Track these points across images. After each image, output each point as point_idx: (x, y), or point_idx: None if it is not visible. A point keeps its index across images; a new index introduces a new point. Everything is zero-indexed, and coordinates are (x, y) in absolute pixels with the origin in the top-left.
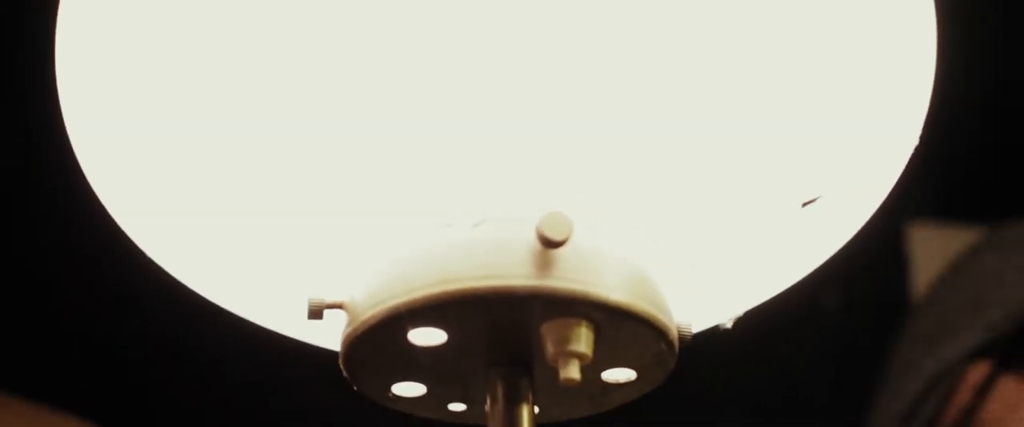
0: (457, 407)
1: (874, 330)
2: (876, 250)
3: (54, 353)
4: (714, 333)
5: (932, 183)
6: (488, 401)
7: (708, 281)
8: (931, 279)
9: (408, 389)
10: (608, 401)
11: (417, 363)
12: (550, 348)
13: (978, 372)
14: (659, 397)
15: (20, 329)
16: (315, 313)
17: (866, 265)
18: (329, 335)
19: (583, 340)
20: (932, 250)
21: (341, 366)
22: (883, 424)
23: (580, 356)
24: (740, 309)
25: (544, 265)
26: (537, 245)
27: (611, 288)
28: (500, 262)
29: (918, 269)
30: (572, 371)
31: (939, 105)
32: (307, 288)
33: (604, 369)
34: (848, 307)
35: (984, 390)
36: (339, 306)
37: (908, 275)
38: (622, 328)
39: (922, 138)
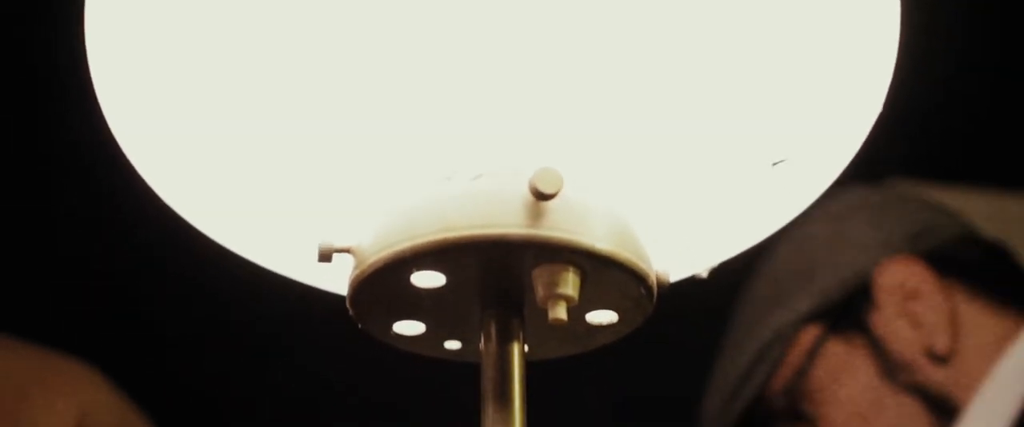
0: (453, 345)
1: None
2: None
3: (74, 304)
4: (692, 282)
5: (908, 142)
6: (482, 340)
7: (687, 234)
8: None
9: (408, 328)
10: (592, 341)
11: (418, 304)
12: (540, 291)
13: (809, 336)
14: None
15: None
16: (325, 256)
17: None
18: (336, 281)
19: (570, 284)
20: None
21: (348, 306)
22: (721, 385)
23: (567, 298)
24: (716, 260)
25: (536, 215)
26: (530, 197)
27: (597, 238)
28: (496, 212)
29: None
30: (560, 312)
31: (915, 64)
32: (317, 235)
33: (588, 311)
34: None
35: (814, 353)
36: (347, 250)
37: None
38: (606, 274)
39: (899, 96)
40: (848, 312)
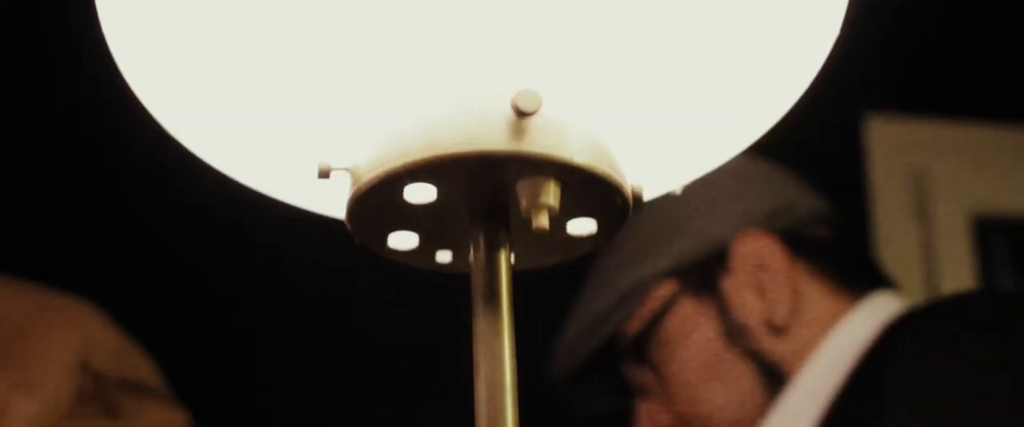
0: (444, 257)
1: None
2: (834, 141)
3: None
4: (667, 198)
5: (888, 75)
6: (471, 250)
7: (661, 151)
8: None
9: (402, 241)
10: (573, 251)
11: (411, 218)
12: (524, 202)
13: (666, 289)
14: None
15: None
16: (324, 174)
17: (824, 155)
18: (330, 204)
19: (552, 194)
20: (887, 141)
21: (347, 222)
22: (579, 322)
23: (549, 208)
24: (689, 177)
25: (518, 132)
26: (512, 116)
27: (575, 151)
28: (481, 130)
29: (874, 159)
30: (543, 221)
31: None
32: (315, 157)
33: (569, 222)
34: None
35: (668, 306)
36: (345, 170)
37: (864, 165)
38: (584, 185)
39: (879, 29)
40: (703, 274)
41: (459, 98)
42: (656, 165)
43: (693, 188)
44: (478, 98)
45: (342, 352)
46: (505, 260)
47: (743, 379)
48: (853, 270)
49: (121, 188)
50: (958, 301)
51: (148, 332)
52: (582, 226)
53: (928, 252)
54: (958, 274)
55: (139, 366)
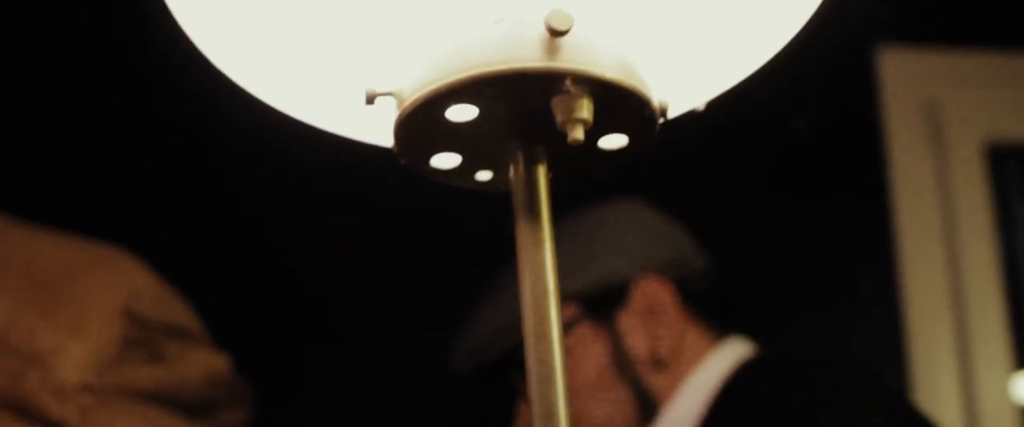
0: (484, 176)
1: (843, 148)
2: (848, 72)
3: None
4: (690, 115)
5: (901, 5)
6: (511, 167)
7: (683, 72)
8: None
9: (445, 161)
10: (606, 165)
11: (453, 138)
12: (559, 117)
13: (568, 311)
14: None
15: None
16: (370, 99)
17: (839, 87)
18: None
19: (585, 109)
20: (901, 71)
21: (393, 144)
22: (482, 330)
23: (583, 121)
24: (711, 94)
25: (552, 51)
26: (546, 35)
27: (606, 67)
28: (517, 50)
29: (888, 90)
30: (578, 133)
31: None
32: (360, 86)
33: (601, 137)
34: (819, 127)
35: (568, 326)
36: (389, 94)
37: (878, 96)
38: (614, 100)
39: None
40: (605, 305)
41: (495, 20)
42: (679, 83)
43: (603, 230)
44: (513, 20)
45: (380, 294)
46: (544, 174)
47: (624, 404)
48: (717, 317)
49: (173, 129)
50: (784, 358)
51: (192, 277)
52: (614, 141)
53: (943, 181)
54: (973, 202)
55: (179, 312)
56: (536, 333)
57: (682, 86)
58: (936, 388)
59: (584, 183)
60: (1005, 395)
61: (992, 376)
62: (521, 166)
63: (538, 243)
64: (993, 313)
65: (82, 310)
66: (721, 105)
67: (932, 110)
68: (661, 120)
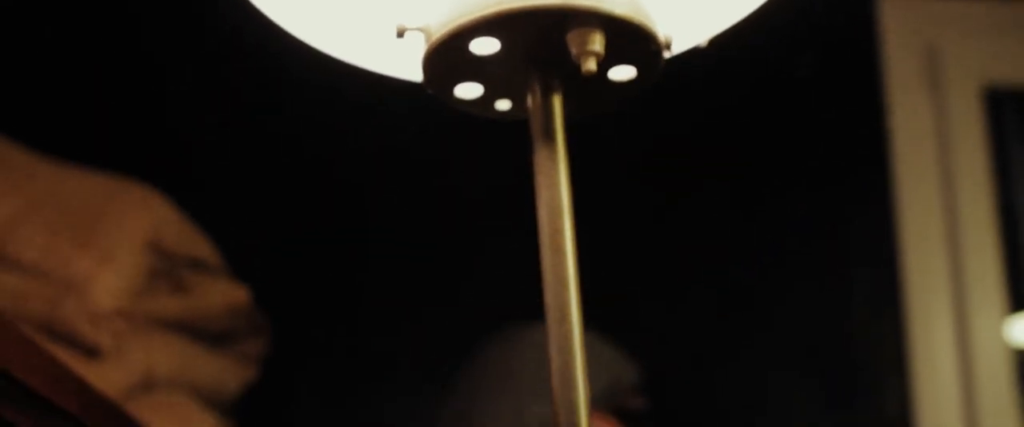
0: (503, 106)
1: (843, 92)
2: (848, 18)
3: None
4: (695, 51)
5: None
6: (529, 97)
7: (689, 6)
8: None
9: (468, 91)
10: (616, 97)
11: (476, 70)
12: (574, 49)
13: None
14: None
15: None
16: (400, 33)
17: (838, 33)
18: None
19: (598, 42)
20: (900, 16)
21: (422, 74)
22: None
23: (596, 54)
24: (714, 31)
25: None
26: None
27: (616, 4)
28: None
29: (887, 35)
30: (591, 64)
31: None
32: (391, 22)
33: (612, 68)
34: (820, 71)
35: None
36: (418, 29)
37: (878, 41)
38: (624, 35)
39: None
40: None
41: None
42: (684, 20)
43: (527, 376)
44: None
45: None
46: (559, 103)
47: None
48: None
49: (209, 67)
50: None
51: (216, 211)
52: (623, 73)
53: (941, 125)
54: (970, 146)
55: (201, 245)
56: (552, 246)
57: (687, 23)
58: (932, 331)
59: (596, 114)
60: (1000, 338)
61: (987, 319)
62: (538, 95)
63: (554, 163)
64: (989, 256)
65: (111, 241)
66: (723, 46)
67: (931, 55)
68: (666, 53)
